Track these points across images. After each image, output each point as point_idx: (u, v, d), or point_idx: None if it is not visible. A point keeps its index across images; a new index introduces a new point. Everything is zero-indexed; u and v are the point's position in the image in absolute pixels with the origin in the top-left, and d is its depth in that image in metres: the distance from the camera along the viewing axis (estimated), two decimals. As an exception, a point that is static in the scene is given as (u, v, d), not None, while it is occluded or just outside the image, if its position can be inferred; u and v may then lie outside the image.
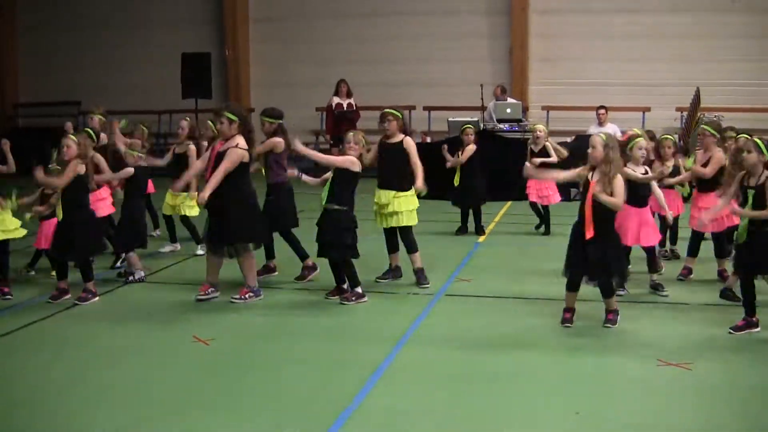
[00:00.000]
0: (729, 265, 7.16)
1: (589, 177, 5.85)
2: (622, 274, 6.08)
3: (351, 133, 6.86)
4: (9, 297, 6.92)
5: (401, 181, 7.25)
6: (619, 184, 5.77)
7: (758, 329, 5.83)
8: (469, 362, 5.33)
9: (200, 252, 8.51)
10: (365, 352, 5.54)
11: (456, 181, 9.79)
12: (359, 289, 6.80)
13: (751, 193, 5.77)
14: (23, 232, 7.07)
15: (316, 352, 5.57)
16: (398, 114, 7.38)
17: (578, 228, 5.90)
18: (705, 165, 7.24)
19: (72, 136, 6.71)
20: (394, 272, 7.51)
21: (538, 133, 9.85)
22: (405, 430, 4.30)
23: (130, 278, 7.52)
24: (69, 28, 19.40)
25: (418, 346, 5.67)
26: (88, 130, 7.50)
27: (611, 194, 5.72)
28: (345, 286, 6.87)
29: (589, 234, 5.78)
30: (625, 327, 6.02)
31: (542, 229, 9.86)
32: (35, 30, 19.87)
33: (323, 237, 6.70)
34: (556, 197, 9.79)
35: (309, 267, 7.58)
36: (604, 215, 5.82)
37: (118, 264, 8.00)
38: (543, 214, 9.83)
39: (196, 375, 5.15)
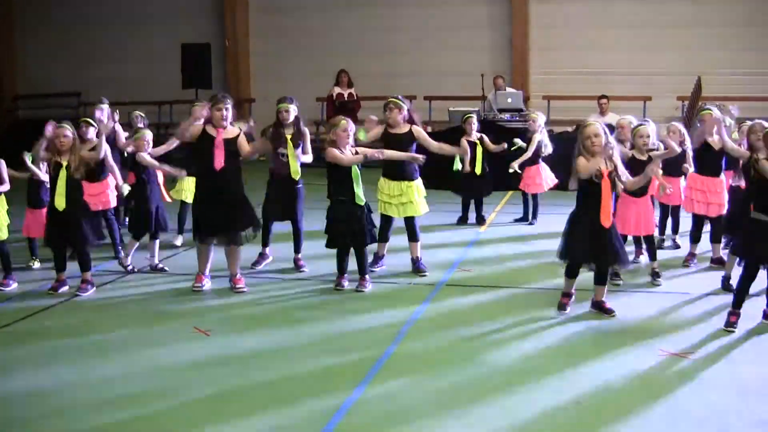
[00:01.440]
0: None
1: (601, 166, 5.81)
2: (626, 261, 6.12)
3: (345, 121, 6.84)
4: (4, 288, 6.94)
5: (411, 170, 7.23)
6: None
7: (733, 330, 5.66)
8: (470, 352, 5.33)
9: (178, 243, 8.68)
10: (366, 342, 5.54)
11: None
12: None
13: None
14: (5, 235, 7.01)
15: (316, 342, 5.57)
16: (401, 103, 7.31)
17: (594, 217, 5.82)
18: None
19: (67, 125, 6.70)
20: (417, 263, 7.44)
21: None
22: (405, 420, 4.30)
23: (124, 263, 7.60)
24: (68, 19, 19.33)
25: (418, 337, 5.67)
26: (88, 119, 7.59)
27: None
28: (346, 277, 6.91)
29: (609, 223, 5.81)
30: (626, 316, 6.02)
31: (532, 221, 9.95)
32: (34, 21, 19.80)
33: (358, 226, 6.69)
34: (542, 187, 9.88)
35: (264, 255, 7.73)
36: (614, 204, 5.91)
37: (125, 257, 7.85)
38: (533, 204, 9.96)
39: (196, 365, 5.14)
